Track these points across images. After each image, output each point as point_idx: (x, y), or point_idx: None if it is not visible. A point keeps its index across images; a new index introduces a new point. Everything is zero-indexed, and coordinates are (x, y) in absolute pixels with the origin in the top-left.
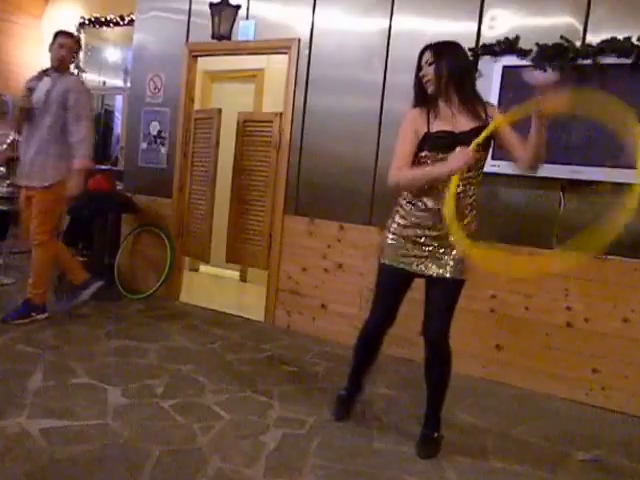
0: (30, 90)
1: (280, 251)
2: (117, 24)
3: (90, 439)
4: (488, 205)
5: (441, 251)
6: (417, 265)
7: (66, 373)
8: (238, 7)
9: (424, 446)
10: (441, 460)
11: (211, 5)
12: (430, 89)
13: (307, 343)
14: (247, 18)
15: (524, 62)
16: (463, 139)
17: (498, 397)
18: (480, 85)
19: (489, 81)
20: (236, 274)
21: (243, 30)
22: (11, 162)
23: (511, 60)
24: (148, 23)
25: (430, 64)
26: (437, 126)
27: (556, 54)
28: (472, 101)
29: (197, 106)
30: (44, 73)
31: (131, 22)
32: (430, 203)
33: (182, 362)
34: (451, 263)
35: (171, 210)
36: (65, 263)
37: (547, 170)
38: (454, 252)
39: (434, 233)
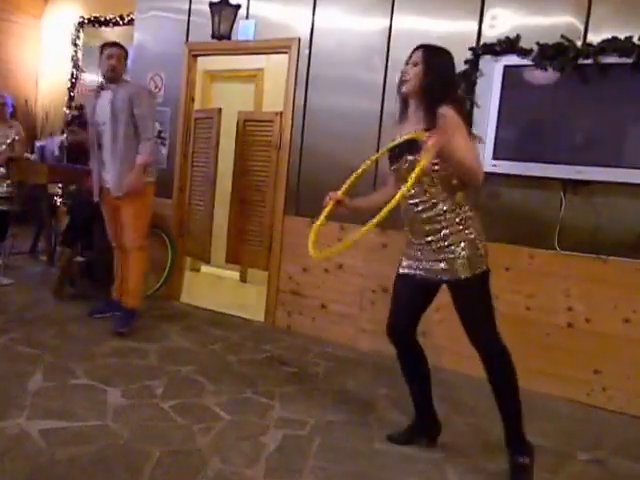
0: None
1: (280, 251)
2: (117, 24)
3: (90, 440)
4: (487, 205)
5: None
6: None
7: (66, 374)
8: (238, 7)
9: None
10: (441, 461)
11: (211, 5)
12: (404, 87)
13: (307, 344)
14: (247, 18)
15: (525, 61)
16: (401, 150)
17: None
18: (481, 85)
19: (490, 81)
20: (236, 274)
21: (243, 30)
22: (11, 162)
23: (512, 60)
24: (148, 23)
25: (415, 65)
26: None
27: (557, 53)
28: (432, 105)
29: (197, 106)
30: (100, 89)
31: (131, 22)
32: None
33: (182, 363)
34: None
35: (171, 210)
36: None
37: (548, 170)
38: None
39: None
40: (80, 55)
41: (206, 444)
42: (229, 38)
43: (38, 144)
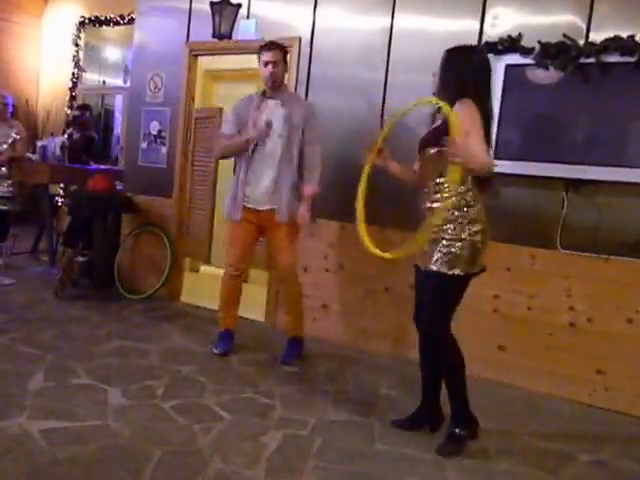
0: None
1: None
2: (117, 23)
3: (90, 440)
4: (489, 205)
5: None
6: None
7: (67, 374)
8: (239, 6)
9: (443, 443)
10: (443, 461)
11: (212, 4)
12: (433, 89)
13: (308, 344)
14: (248, 17)
15: (527, 60)
16: (426, 140)
17: (500, 398)
18: None
19: (492, 80)
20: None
21: (244, 29)
22: (12, 162)
23: (514, 59)
24: (148, 22)
25: (439, 67)
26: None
27: (559, 52)
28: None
29: (198, 105)
30: (263, 96)
31: (131, 21)
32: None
33: (183, 363)
34: (436, 256)
35: (171, 210)
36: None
37: (550, 169)
38: (440, 245)
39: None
40: (81, 55)
41: (207, 444)
42: (230, 37)
43: (39, 144)
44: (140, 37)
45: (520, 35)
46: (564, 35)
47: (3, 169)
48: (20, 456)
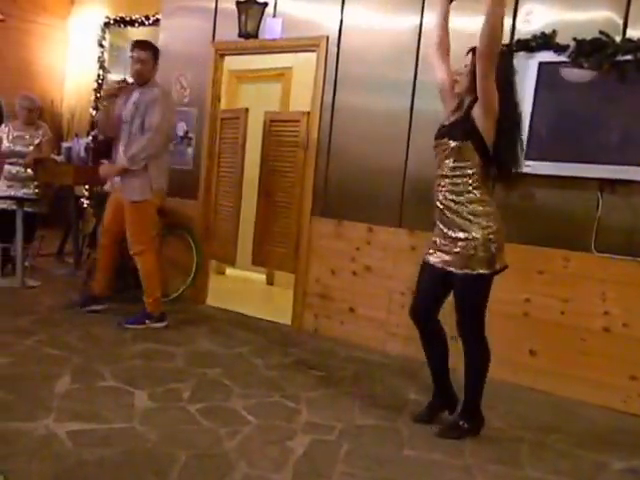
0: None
1: (308, 254)
2: (142, 24)
3: (117, 442)
4: (521, 207)
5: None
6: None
7: (93, 376)
8: (265, 5)
9: (446, 429)
10: (473, 469)
11: (238, 3)
12: (457, 88)
13: (335, 347)
14: (274, 16)
15: (561, 58)
16: (443, 132)
17: (532, 404)
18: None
19: (524, 78)
20: (262, 277)
21: (270, 28)
22: (38, 163)
23: (547, 56)
24: (174, 22)
25: (466, 66)
26: (446, 119)
27: (594, 49)
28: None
29: (223, 106)
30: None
31: (156, 22)
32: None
33: (208, 366)
34: (454, 258)
35: (197, 212)
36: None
37: (584, 170)
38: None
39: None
40: (106, 56)
41: (233, 448)
42: (256, 37)
43: (64, 145)
44: (165, 37)
45: (554, 32)
46: (600, 32)
47: (29, 171)
48: (47, 457)
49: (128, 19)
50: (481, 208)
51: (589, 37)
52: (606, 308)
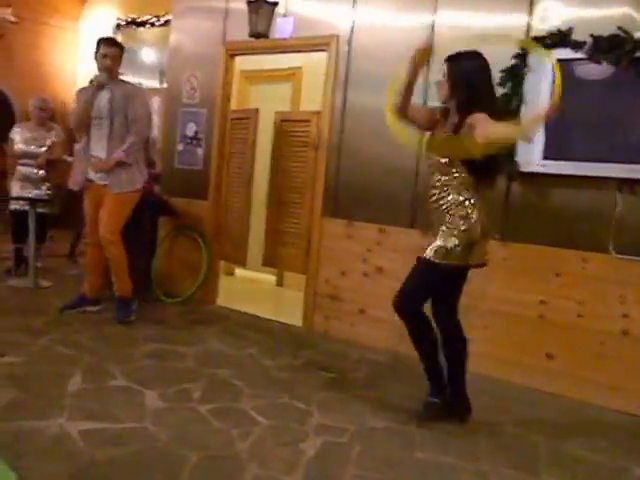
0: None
1: (318, 254)
2: (153, 25)
3: (128, 442)
4: (537, 207)
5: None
6: None
7: (104, 375)
8: (276, 4)
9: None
10: (487, 473)
11: (249, 3)
12: (439, 98)
13: (346, 349)
14: (285, 15)
15: (578, 55)
16: (432, 147)
17: (548, 408)
18: (530, 80)
19: (540, 75)
20: (272, 278)
21: (281, 27)
22: (50, 164)
23: (564, 53)
24: (184, 23)
25: (444, 76)
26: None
27: (612, 46)
28: (463, 108)
29: (234, 106)
30: (100, 86)
31: (167, 22)
32: None
33: (219, 366)
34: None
35: (207, 212)
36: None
37: (602, 169)
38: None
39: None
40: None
41: (244, 449)
42: (267, 36)
43: (76, 146)
44: (176, 38)
45: (571, 29)
46: (618, 28)
47: (41, 172)
48: (60, 456)
49: (139, 20)
50: (462, 212)
51: (607, 34)
52: (625, 311)
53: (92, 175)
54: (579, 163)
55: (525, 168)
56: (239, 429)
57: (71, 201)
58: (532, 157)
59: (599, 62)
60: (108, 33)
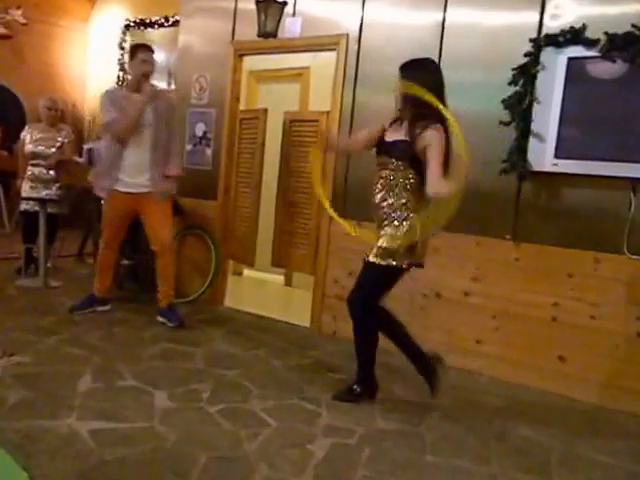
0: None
1: (327, 255)
2: (161, 25)
3: (137, 442)
4: (549, 207)
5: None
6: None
7: (113, 375)
8: (284, 4)
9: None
10: (499, 477)
11: (257, 2)
12: (396, 105)
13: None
14: (294, 15)
15: (591, 53)
16: (385, 148)
17: (561, 411)
18: (542, 79)
19: (553, 74)
20: (281, 278)
21: (289, 27)
22: (60, 165)
23: (577, 51)
24: (193, 23)
25: (398, 83)
26: (387, 135)
27: (626, 44)
28: (415, 119)
29: (242, 106)
30: (135, 91)
31: (175, 23)
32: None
33: (227, 367)
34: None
35: (216, 213)
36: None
37: (616, 168)
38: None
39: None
40: (126, 57)
41: (253, 450)
42: (275, 36)
43: (86, 147)
44: (185, 38)
45: (584, 26)
46: (633, 25)
47: (51, 172)
48: (70, 456)
49: (148, 21)
50: (405, 213)
51: (621, 31)
52: (639, 313)
53: (127, 183)
54: (592, 162)
55: (537, 167)
56: (248, 430)
57: (81, 202)
58: (544, 156)
59: (613, 60)
60: (117, 34)
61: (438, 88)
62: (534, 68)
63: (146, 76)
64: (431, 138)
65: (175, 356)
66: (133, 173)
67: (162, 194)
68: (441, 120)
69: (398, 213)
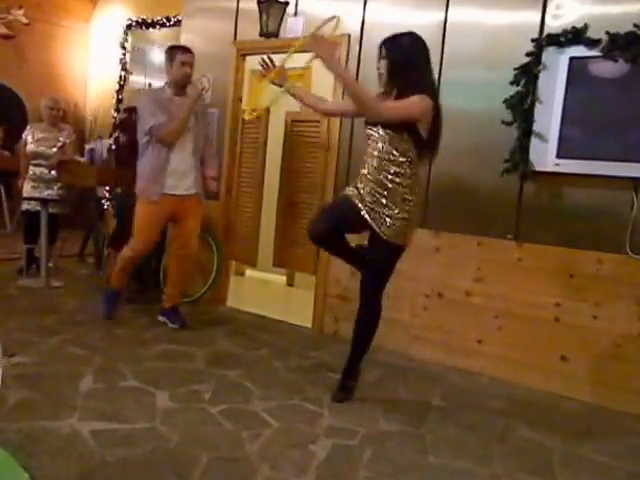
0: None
1: (329, 255)
2: (163, 25)
3: (139, 443)
4: (551, 207)
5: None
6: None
7: (115, 376)
8: (286, 4)
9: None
10: (502, 478)
11: (259, 2)
12: (380, 81)
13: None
14: (295, 14)
15: (593, 53)
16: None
17: (563, 412)
18: (544, 79)
19: (554, 74)
20: (282, 278)
21: (291, 27)
22: (63, 165)
23: (578, 51)
24: (195, 23)
25: (382, 59)
26: None
27: (629, 43)
28: (404, 92)
29: (244, 106)
30: (175, 94)
31: (177, 23)
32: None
33: (229, 367)
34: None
35: (218, 213)
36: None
37: (618, 168)
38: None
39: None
40: (128, 57)
41: (255, 451)
42: (277, 36)
43: (87, 147)
44: (187, 38)
45: (586, 26)
46: (635, 25)
47: (53, 172)
48: (72, 456)
49: (150, 21)
50: (402, 189)
51: (623, 31)
52: None
53: (175, 186)
54: (594, 162)
55: (539, 167)
56: (250, 431)
57: (81, 202)
58: (546, 156)
59: (615, 60)
60: (119, 34)
61: (408, 64)
62: (536, 68)
63: (187, 78)
64: (413, 98)
65: (177, 356)
66: (180, 176)
67: (210, 193)
68: (428, 91)
69: (397, 188)
